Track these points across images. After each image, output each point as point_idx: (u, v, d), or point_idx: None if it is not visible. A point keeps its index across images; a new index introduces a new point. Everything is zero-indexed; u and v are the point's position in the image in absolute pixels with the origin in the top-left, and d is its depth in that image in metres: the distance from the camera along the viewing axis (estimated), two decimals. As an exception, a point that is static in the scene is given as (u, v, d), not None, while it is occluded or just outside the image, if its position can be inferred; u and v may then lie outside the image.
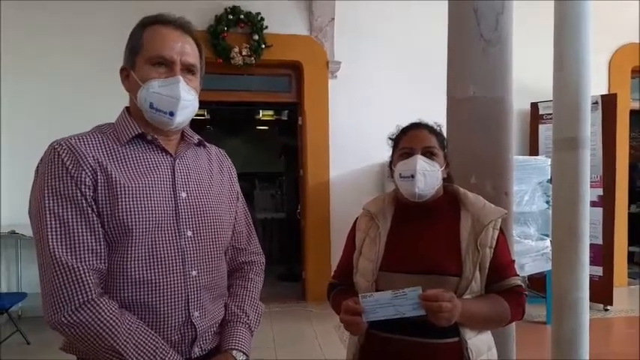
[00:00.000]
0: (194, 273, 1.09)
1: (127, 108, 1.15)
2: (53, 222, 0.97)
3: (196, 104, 1.13)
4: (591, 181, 2.42)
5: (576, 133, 2.10)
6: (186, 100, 1.08)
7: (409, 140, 1.36)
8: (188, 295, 1.08)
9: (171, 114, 1.07)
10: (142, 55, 1.08)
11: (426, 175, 1.30)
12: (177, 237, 1.07)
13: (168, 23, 1.10)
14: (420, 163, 1.31)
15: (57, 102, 4.29)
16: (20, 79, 4.29)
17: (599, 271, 4.39)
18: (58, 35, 4.34)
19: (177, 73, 1.07)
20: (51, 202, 0.97)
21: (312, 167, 4.92)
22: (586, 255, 2.11)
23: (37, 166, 1.04)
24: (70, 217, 0.97)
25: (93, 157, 1.02)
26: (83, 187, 0.99)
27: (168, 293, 1.05)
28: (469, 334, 1.25)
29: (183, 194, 1.10)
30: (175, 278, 1.06)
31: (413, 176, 1.30)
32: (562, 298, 2.11)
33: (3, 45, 4.21)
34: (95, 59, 4.15)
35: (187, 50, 1.10)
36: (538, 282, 4.50)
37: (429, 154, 1.33)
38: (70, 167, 0.99)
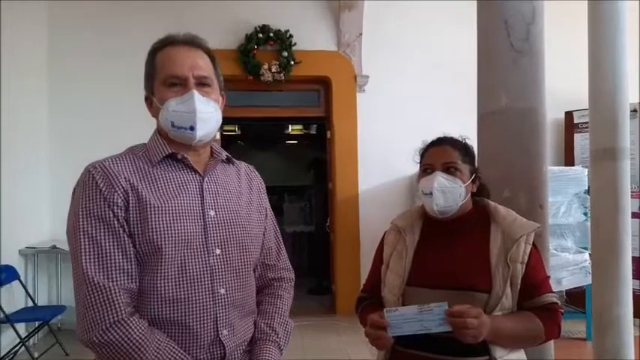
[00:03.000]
0: (222, 291, 1.09)
1: (158, 129, 1.18)
2: (86, 242, 0.99)
3: (218, 115, 1.13)
4: (632, 192, 2.33)
5: (614, 144, 2.04)
6: (203, 113, 1.08)
7: (430, 157, 1.36)
8: (216, 314, 1.08)
9: (192, 128, 1.07)
10: (157, 79, 1.11)
11: (446, 192, 1.29)
12: (206, 255, 1.08)
13: (176, 42, 1.12)
14: (439, 180, 1.30)
15: (100, 122, 4.47)
16: (67, 101, 4.51)
17: (643, 285, 4.19)
18: (102, 59, 4.55)
19: (192, 87, 1.08)
20: (85, 222, 1.00)
21: (341, 180, 4.92)
22: (628, 269, 2.03)
23: (74, 188, 1.07)
24: (102, 237, 1.00)
25: (125, 178, 1.05)
26: (115, 208, 1.01)
27: (197, 311, 1.05)
28: (500, 352, 1.21)
29: (212, 212, 1.11)
30: (204, 296, 1.06)
31: (431, 193, 1.30)
32: (603, 315, 2.02)
33: (51, 70, 4.47)
34: (138, 83, 4.31)
35: (199, 64, 1.11)
36: (577, 296, 4.32)
37: (451, 169, 1.32)
38: (103, 189, 1.02)
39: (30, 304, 3.89)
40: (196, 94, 1.08)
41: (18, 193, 3.88)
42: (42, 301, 4.19)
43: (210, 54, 1.16)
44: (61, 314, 3.75)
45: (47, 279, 4.36)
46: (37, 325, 3.78)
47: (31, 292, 3.94)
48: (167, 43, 1.13)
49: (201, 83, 1.11)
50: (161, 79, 1.10)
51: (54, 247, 4.07)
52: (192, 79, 1.09)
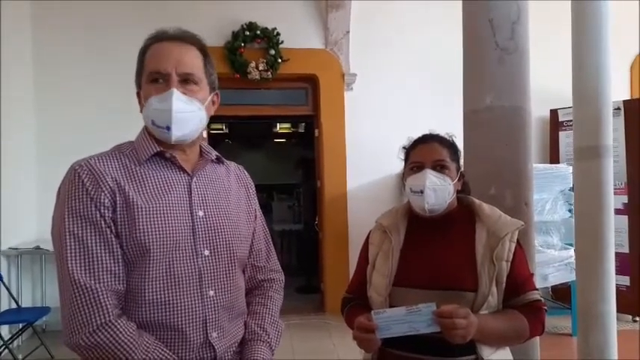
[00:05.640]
0: (211, 293, 1.07)
1: (146, 127, 1.15)
2: (72, 243, 0.97)
3: (201, 114, 1.09)
4: (615, 188, 2.37)
5: (598, 142, 2.06)
6: (181, 112, 1.04)
7: (419, 154, 1.34)
8: (206, 316, 1.06)
9: (168, 128, 1.04)
10: (143, 75, 1.08)
11: (436, 190, 1.28)
12: (194, 256, 1.06)
13: (165, 38, 1.09)
14: (430, 178, 1.29)
15: (87, 122, 4.40)
16: (54, 99, 4.43)
17: (626, 280, 4.26)
18: (88, 58, 4.47)
19: (173, 85, 1.04)
20: (71, 223, 0.98)
21: (329, 178, 4.92)
22: (612, 266, 2.06)
23: (59, 187, 1.04)
24: (89, 238, 0.97)
25: (112, 177, 1.02)
26: (102, 208, 0.99)
27: (186, 314, 1.03)
28: (486, 351, 1.21)
29: (200, 213, 1.09)
30: (192, 298, 1.04)
31: (422, 192, 1.28)
32: (588, 312, 2.05)
33: (36, 70, 4.40)
34: (124, 83, 4.25)
35: (184, 60, 1.07)
36: (562, 292, 4.38)
37: (439, 167, 1.31)
38: (90, 188, 0.99)
39: (13, 305, 3.82)
40: (175, 93, 1.04)
41: (1, 192, 3.80)
42: (26, 302, 4.12)
43: (203, 50, 1.12)
44: (45, 316, 3.69)
45: (31, 280, 4.29)
46: (20, 327, 3.72)
47: (14, 293, 3.87)
48: (157, 38, 1.09)
49: (186, 80, 1.07)
50: (146, 74, 1.07)
51: (37, 247, 4.01)
52: (175, 76, 1.05)
